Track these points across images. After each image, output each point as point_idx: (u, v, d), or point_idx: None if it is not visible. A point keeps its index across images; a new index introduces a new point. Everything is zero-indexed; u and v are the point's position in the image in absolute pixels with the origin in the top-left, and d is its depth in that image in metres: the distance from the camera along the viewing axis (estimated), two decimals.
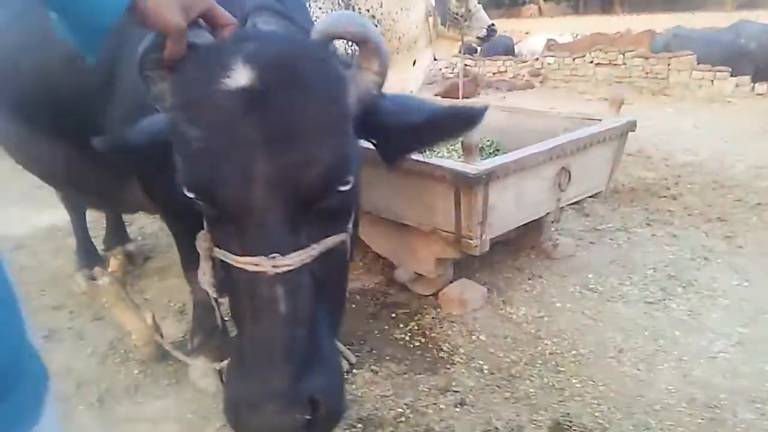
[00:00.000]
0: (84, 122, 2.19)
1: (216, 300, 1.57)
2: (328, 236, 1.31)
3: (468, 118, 1.43)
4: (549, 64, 12.45)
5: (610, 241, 4.31)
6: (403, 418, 2.54)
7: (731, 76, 10.05)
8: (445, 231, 3.05)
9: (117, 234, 4.20)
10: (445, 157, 3.74)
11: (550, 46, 14.54)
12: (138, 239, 4.55)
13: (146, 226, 4.84)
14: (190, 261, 2.50)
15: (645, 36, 14.03)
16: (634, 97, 10.13)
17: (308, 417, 1.23)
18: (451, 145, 3.91)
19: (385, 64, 1.30)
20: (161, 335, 2.88)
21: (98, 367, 2.98)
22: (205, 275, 1.45)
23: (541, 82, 12.61)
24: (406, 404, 2.63)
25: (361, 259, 3.99)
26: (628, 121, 3.64)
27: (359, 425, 2.50)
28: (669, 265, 3.85)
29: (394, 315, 3.37)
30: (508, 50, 14.91)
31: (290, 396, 1.21)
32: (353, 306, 3.46)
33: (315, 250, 1.26)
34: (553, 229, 4.09)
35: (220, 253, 1.34)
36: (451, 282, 3.49)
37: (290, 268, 1.22)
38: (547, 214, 3.50)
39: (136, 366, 2.94)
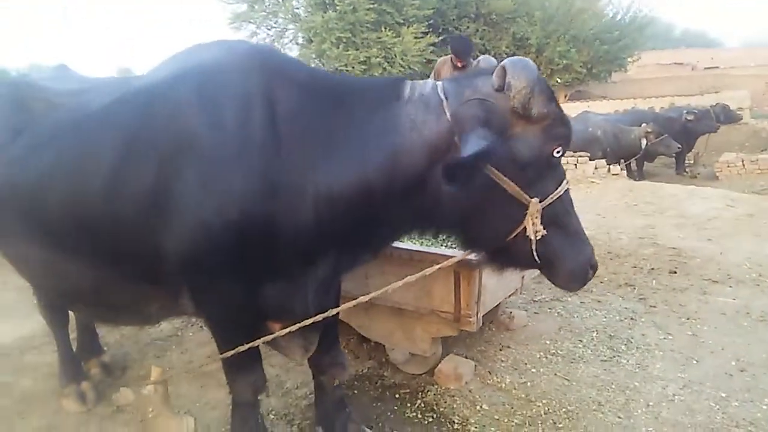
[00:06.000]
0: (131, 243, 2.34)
1: None
2: None
3: None
4: None
5: (549, 310, 4.99)
6: None
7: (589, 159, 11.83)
8: (444, 312, 3.47)
9: (90, 346, 4.07)
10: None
11: None
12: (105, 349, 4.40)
13: (106, 335, 4.68)
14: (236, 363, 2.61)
15: None
16: None
17: None
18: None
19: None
20: None
21: None
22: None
23: None
24: None
25: (345, 345, 4.23)
26: None
27: None
28: (606, 327, 4.57)
29: (397, 395, 3.67)
30: None
31: None
32: (356, 392, 3.72)
33: None
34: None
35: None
36: (440, 360, 3.88)
37: None
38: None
39: None
